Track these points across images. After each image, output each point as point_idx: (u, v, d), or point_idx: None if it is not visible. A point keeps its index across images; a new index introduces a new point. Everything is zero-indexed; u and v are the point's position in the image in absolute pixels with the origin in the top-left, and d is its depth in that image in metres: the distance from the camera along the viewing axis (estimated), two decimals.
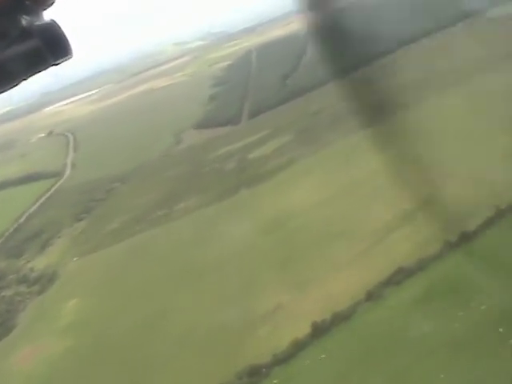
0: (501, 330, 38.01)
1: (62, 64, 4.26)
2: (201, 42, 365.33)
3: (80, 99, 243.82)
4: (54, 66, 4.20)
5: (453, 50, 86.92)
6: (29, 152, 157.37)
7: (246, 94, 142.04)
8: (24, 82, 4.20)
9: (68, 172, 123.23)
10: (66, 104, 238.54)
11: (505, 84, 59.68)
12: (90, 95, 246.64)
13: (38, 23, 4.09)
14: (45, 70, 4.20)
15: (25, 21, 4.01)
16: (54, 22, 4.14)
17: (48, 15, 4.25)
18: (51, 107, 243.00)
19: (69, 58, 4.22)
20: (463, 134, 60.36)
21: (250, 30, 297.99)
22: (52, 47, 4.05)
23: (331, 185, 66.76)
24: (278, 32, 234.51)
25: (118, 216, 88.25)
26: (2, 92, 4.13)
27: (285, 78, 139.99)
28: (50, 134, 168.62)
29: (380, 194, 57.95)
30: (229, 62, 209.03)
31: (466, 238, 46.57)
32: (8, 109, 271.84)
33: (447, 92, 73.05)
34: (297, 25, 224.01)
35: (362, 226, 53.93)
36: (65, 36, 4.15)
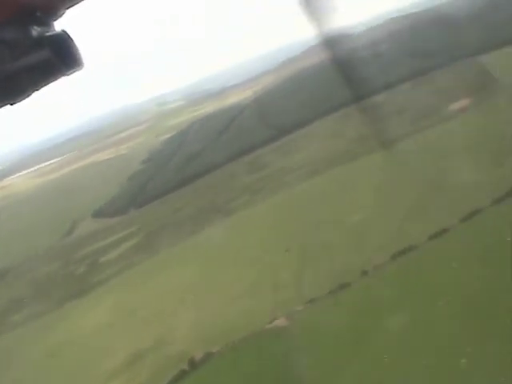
0: None
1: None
2: (181, 103, 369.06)
3: (34, 170, 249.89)
4: (64, 77, 4.21)
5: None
6: None
7: (154, 177, 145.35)
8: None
9: None
10: (19, 176, 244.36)
11: None
12: (45, 166, 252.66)
13: (48, 34, 4.10)
14: (55, 80, 4.18)
15: (35, 31, 4.02)
16: (65, 32, 4.14)
17: (59, 26, 4.28)
18: (7, 179, 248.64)
19: (79, 69, 4.20)
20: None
21: (225, 91, 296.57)
22: (62, 58, 4.04)
23: (120, 308, 69.75)
24: (233, 98, 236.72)
25: None
26: (15, 103, 4.12)
27: (188, 160, 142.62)
28: None
29: (143, 324, 61.24)
30: (172, 134, 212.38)
31: None
32: None
33: None
34: (254, 90, 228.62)
35: (100, 369, 56.38)
36: (75, 47, 4.14)
